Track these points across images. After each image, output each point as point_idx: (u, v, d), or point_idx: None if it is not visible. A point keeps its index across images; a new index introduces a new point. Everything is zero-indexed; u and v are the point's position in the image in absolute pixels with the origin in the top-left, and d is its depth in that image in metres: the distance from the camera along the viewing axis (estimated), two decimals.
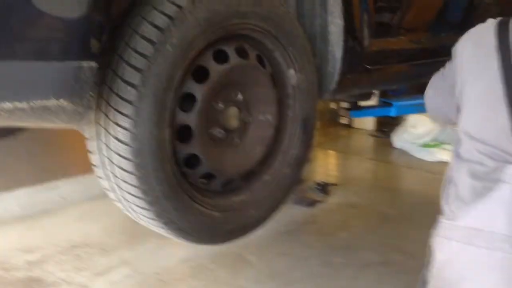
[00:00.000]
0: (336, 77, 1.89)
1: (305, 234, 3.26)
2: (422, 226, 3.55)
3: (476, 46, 1.26)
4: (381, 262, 2.84)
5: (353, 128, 6.05)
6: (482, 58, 1.21)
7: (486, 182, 1.17)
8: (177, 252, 2.91)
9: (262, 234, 3.02)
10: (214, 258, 2.85)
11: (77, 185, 3.48)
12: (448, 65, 1.40)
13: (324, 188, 4.02)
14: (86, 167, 3.33)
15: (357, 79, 2.02)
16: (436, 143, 5.01)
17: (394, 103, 2.66)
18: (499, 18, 1.24)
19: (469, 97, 1.23)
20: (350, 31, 1.87)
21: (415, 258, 2.56)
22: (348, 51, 1.88)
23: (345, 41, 1.85)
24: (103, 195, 3.69)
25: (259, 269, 2.77)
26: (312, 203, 3.74)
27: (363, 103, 2.82)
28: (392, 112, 2.68)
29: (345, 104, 3.22)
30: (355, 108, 2.84)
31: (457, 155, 1.27)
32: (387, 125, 5.59)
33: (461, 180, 1.22)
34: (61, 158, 3.33)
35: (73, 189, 3.46)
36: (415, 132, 5.09)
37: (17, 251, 2.82)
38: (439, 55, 2.54)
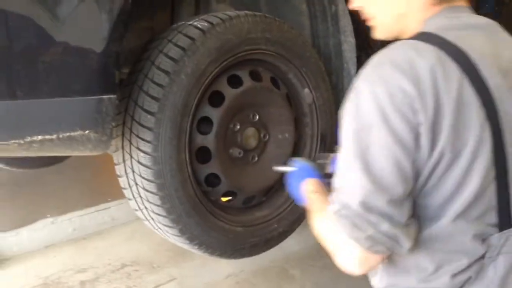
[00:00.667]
0: None
1: None
2: None
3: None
4: None
5: None
6: None
7: None
8: (222, 268, 3.00)
9: (304, 247, 3.07)
10: (257, 273, 2.91)
11: (126, 207, 3.64)
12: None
13: None
14: None
15: None
16: None
17: None
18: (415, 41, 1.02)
19: None
20: (363, 48, 1.93)
21: None
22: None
23: (359, 58, 1.91)
24: None
25: (303, 283, 2.80)
26: None
27: None
28: None
29: None
30: None
31: None
32: None
33: None
34: (110, 182, 3.49)
35: (122, 211, 3.62)
36: None
37: (71, 270, 2.98)
38: None
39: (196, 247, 1.67)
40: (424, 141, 0.93)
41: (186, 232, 1.61)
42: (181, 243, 1.67)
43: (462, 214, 0.96)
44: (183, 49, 1.52)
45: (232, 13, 1.64)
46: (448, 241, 0.98)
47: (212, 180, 1.70)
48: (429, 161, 0.94)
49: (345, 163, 0.98)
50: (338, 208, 0.96)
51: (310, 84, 1.84)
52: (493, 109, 0.95)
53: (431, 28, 1.02)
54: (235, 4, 1.96)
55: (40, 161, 2.63)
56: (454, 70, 0.93)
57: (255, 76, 1.74)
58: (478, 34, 1.02)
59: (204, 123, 1.64)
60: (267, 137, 1.81)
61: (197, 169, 1.65)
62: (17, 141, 1.32)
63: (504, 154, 0.96)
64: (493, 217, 0.98)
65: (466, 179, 0.95)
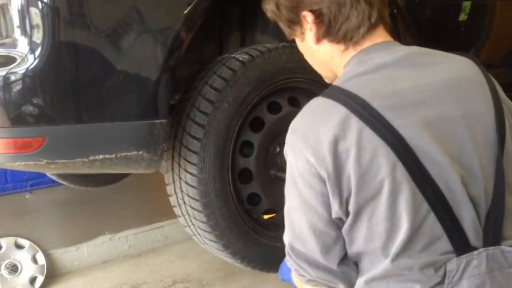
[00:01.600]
0: None
1: None
2: None
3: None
4: None
5: None
6: None
7: None
8: (270, 287, 3.07)
9: None
10: None
11: (179, 226, 3.77)
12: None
13: None
14: None
15: None
16: None
17: None
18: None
19: None
20: None
21: None
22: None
23: None
24: None
25: None
26: None
27: None
28: None
29: None
30: None
31: None
32: None
33: None
34: (164, 202, 3.64)
35: (175, 229, 3.75)
36: None
37: (126, 285, 3.15)
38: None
39: (238, 261, 1.78)
40: (334, 201, 0.97)
41: (229, 247, 1.73)
42: (225, 257, 1.79)
43: (402, 253, 0.96)
44: (225, 80, 1.66)
45: (270, 45, 1.77)
46: (396, 276, 0.98)
47: (254, 199, 1.82)
48: (348, 216, 0.99)
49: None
50: (286, 258, 1.10)
51: None
52: (404, 148, 0.94)
53: (344, 76, 1.05)
54: (278, 35, 2.09)
55: (101, 180, 2.84)
56: (354, 125, 0.95)
57: (293, 102, 1.86)
58: (387, 73, 1.02)
59: (246, 147, 1.77)
60: None
61: (239, 189, 1.78)
62: (81, 159, 1.50)
63: (433, 184, 0.95)
64: (444, 245, 0.96)
65: (395, 221, 0.95)
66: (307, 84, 1.85)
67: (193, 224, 1.77)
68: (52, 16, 1.42)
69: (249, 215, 1.81)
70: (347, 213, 0.99)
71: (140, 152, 1.55)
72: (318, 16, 1.08)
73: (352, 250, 1.03)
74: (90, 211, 3.38)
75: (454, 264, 0.95)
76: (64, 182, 2.62)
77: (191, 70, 1.88)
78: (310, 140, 0.98)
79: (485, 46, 2.48)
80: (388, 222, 0.96)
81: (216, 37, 2.01)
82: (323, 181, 0.97)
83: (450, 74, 1.04)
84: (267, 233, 1.83)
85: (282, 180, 1.83)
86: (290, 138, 1.05)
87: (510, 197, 1.01)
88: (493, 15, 2.42)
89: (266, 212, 1.87)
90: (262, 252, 1.80)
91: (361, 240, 1.00)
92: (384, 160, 0.94)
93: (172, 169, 1.73)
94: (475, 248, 0.96)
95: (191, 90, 1.71)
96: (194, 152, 1.64)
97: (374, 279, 1.00)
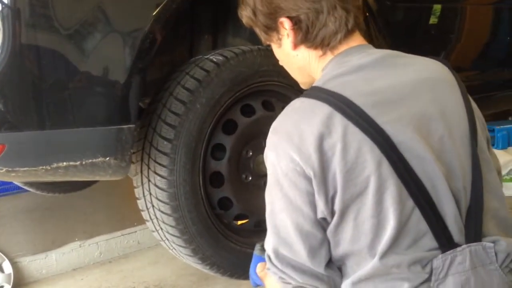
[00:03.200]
0: None
1: None
2: None
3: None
4: None
5: None
6: None
7: None
8: None
9: None
10: None
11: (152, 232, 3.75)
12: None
13: None
14: None
15: None
16: None
17: None
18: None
19: None
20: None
21: None
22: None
23: None
24: None
25: None
26: None
27: None
28: None
29: None
30: None
31: None
32: None
33: None
34: (136, 207, 3.61)
35: (148, 235, 3.70)
36: None
37: None
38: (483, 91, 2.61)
39: (208, 267, 1.75)
40: (320, 199, 0.98)
41: (198, 252, 1.70)
42: (195, 263, 1.76)
43: (389, 250, 0.97)
44: (198, 80, 1.63)
45: (245, 47, 1.75)
46: (384, 275, 0.98)
47: (225, 203, 1.79)
48: (334, 215, 0.99)
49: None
50: (268, 266, 1.07)
51: None
52: (388, 144, 0.95)
53: (324, 78, 1.07)
54: (251, 38, 2.07)
55: (69, 186, 2.77)
56: (339, 122, 0.96)
57: (267, 105, 1.84)
58: (366, 74, 1.04)
59: (218, 150, 1.74)
60: None
61: (210, 193, 1.75)
62: (44, 167, 1.45)
63: (417, 180, 0.96)
64: (430, 242, 0.98)
65: (381, 218, 0.96)
66: (282, 88, 1.84)
67: (161, 229, 1.73)
68: (12, 17, 1.37)
69: (219, 220, 1.78)
70: (332, 213, 0.99)
71: (107, 159, 1.51)
72: (296, 22, 1.10)
73: (337, 252, 1.03)
74: (59, 217, 3.31)
75: (439, 260, 0.96)
76: (30, 189, 2.55)
77: (161, 73, 1.84)
78: (294, 138, 0.98)
79: (455, 49, 2.51)
80: (374, 219, 0.96)
81: (187, 39, 1.98)
82: (308, 180, 0.97)
83: (424, 74, 1.07)
84: (238, 239, 1.81)
85: (254, 185, 1.83)
86: (272, 139, 1.04)
87: (487, 194, 1.03)
88: (463, 19, 2.45)
89: (237, 218, 1.84)
90: (233, 258, 1.77)
91: (347, 240, 1.00)
92: (369, 156, 0.95)
93: (141, 171, 1.69)
94: (458, 245, 0.98)
95: (163, 91, 1.67)
96: (165, 154, 1.60)
97: (360, 280, 0.99)
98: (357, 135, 0.96)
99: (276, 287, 1.08)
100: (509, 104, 3.07)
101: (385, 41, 2.05)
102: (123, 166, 1.54)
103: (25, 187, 2.65)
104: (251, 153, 1.80)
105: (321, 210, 0.99)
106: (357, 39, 1.12)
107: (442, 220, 0.98)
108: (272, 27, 1.14)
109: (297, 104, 1.05)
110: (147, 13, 1.54)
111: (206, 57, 1.70)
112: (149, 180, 1.66)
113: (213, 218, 1.73)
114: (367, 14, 1.98)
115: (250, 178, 1.81)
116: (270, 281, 1.12)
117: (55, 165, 1.45)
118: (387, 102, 1.00)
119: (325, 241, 1.02)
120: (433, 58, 1.14)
